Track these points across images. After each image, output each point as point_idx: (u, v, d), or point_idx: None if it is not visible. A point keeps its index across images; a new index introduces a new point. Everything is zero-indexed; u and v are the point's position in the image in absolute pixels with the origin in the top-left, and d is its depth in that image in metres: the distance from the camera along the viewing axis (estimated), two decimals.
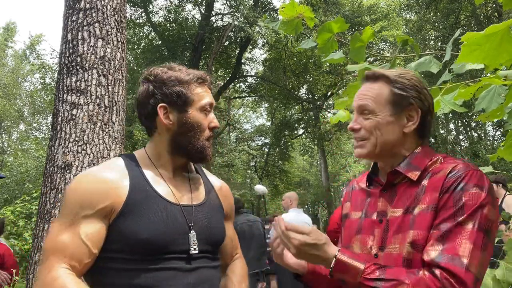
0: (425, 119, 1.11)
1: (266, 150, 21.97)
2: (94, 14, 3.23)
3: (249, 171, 23.35)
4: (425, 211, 1.01)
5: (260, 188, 7.93)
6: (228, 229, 1.32)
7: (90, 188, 1.07)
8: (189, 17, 17.63)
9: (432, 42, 15.60)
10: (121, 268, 1.06)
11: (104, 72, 3.16)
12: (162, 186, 1.16)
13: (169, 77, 1.18)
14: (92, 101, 3.06)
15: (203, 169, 1.38)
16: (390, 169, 1.12)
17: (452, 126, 19.57)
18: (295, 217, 4.97)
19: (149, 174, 1.17)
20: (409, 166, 1.09)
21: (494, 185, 4.37)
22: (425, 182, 1.06)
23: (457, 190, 0.98)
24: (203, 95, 1.19)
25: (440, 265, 0.93)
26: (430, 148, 1.15)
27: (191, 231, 1.13)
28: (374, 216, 1.13)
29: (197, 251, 1.12)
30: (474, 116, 15.02)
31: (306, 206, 27.09)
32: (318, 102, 20.36)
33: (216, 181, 1.36)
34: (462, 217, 0.95)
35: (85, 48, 3.15)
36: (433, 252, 0.95)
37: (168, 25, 17.07)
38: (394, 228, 1.06)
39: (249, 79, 20.35)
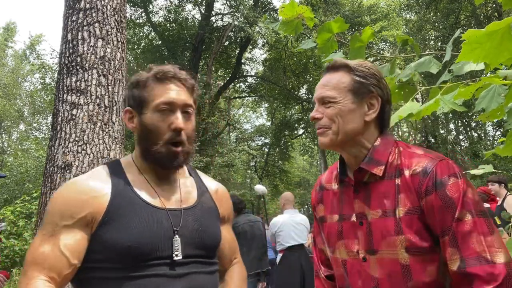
0: (384, 109, 1.12)
1: (266, 150, 21.98)
2: (94, 14, 3.23)
3: (249, 171, 23.36)
4: (410, 214, 1.01)
5: (259, 188, 7.93)
6: (225, 233, 1.26)
7: (70, 198, 1.04)
8: (189, 17, 17.64)
9: (432, 42, 15.60)
10: (105, 277, 1.02)
11: (104, 72, 3.16)
12: (147, 191, 1.11)
13: (134, 79, 1.15)
14: (92, 101, 3.06)
15: (199, 172, 1.32)
16: (355, 163, 1.11)
17: (452, 126, 19.57)
18: (288, 219, 4.98)
19: (133, 179, 1.12)
20: (372, 162, 1.09)
21: (497, 185, 4.36)
22: (397, 180, 1.05)
23: (438, 189, 0.98)
24: (160, 94, 1.10)
25: (467, 271, 0.93)
26: (387, 138, 1.14)
27: (175, 236, 1.06)
28: (353, 218, 1.11)
29: (180, 257, 1.05)
30: (474, 116, 15.03)
31: (306, 206, 27.08)
32: None
33: (211, 184, 1.30)
34: (457, 212, 0.96)
35: (85, 48, 3.15)
36: (455, 263, 0.95)
37: (168, 25, 17.07)
38: (380, 232, 1.04)
39: (249, 79, 20.36)
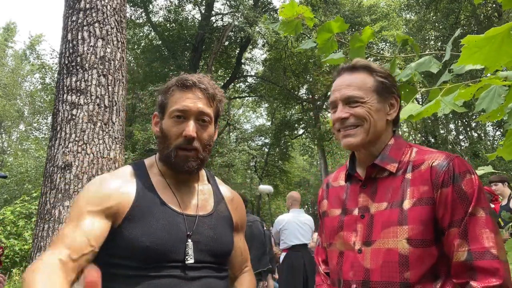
0: (399, 109, 1.16)
1: (266, 150, 21.97)
2: (94, 14, 3.23)
3: (249, 171, 23.34)
4: (417, 205, 1.02)
5: (265, 188, 7.98)
6: (238, 241, 1.29)
7: (98, 189, 1.10)
8: (189, 17, 17.64)
9: (432, 42, 15.60)
10: (126, 274, 1.05)
11: (104, 72, 3.16)
12: (168, 195, 1.16)
13: (163, 86, 1.20)
14: (92, 101, 3.06)
15: (217, 179, 1.35)
16: (369, 160, 1.13)
17: (452, 126, 19.58)
18: (293, 218, 4.99)
19: (156, 182, 1.17)
20: (386, 159, 1.11)
21: (500, 184, 4.33)
22: (408, 175, 1.07)
23: (455, 182, 1.00)
24: (176, 101, 1.14)
25: (474, 264, 0.96)
26: (401, 138, 1.17)
27: (188, 240, 1.09)
28: (356, 212, 1.13)
29: (192, 261, 1.08)
30: (474, 116, 15.04)
31: (306, 206, 27.09)
32: (318, 102, 20.36)
33: (227, 192, 1.33)
34: (471, 207, 0.99)
35: (85, 48, 3.15)
36: (462, 254, 0.98)
37: (168, 25, 17.07)
38: (381, 223, 1.06)
39: (249, 79, 20.36)
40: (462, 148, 17.31)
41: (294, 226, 4.92)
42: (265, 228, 5.13)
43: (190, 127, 1.11)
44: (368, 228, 1.08)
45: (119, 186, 1.11)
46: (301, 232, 4.92)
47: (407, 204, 1.03)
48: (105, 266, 1.05)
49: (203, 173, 1.30)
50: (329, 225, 1.21)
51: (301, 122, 21.44)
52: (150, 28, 17.36)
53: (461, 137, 19.44)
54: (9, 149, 25.83)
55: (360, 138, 1.10)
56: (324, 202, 1.28)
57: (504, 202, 4.29)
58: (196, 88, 1.15)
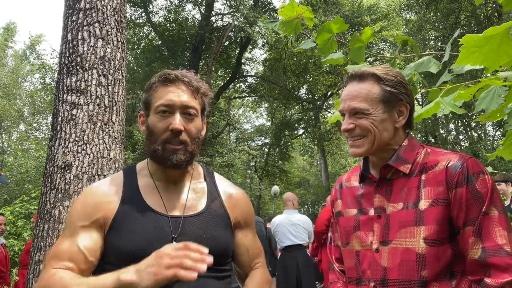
0: (411, 112, 1.17)
1: (266, 150, 21.97)
2: (94, 14, 3.23)
3: (249, 171, 23.34)
4: (433, 205, 1.05)
5: (274, 189, 8.12)
6: (242, 238, 1.25)
7: (86, 201, 1.13)
8: (189, 17, 17.64)
9: (432, 42, 15.59)
10: None
11: (104, 72, 3.16)
12: (154, 198, 1.15)
13: (147, 83, 1.19)
14: (92, 101, 3.06)
15: (217, 175, 1.31)
16: (382, 162, 1.16)
17: (452, 126, 19.57)
18: (284, 219, 5.04)
19: (143, 185, 1.16)
20: (399, 160, 1.13)
21: (503, 184, 4.31)
22: (423, 176, 1.09)
23: (469, 183, 1.03)
24: (160, 96, 1.13)
25: (487, 261, 0.99)
26: (414, 139, 1.20)
27: (173, 243, 1.05)
28: (371, 212, 1.15)
29: None
30: (474, 116, 15.03)
31: (306, 206, 27.08)
32: (318, 102, 20.37)
33: (227, 189, 1.27)
34: (485, 206, 1.01)
35: (85, 48, 3.15)
36: (477, 252, 1.01)
37: (168, 25, 17.07)
38: (398, 223, 1.08)
39: (249, 79, 20.36)
40: (462, 148, 17.31)
41: (285, 227, 4.98)
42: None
43: (177, 120, 1.10)
44: (385, 228, 1.11)
45: (105, 195, 1.13)
46: (292, 233, 4.96)
47: (423, 205, 1.06)
48: (100, 271, 1.05)
49: (199, 170, 1.27)
50: (344, 224, 1.24)
51: (301, 122, 21.45)
52: (150, 28, 17.36)
53: (461, 137, 19.44)
54: (9, 149, 25.81)
55: (365, 148, 1.13)
56: (338, 202, 1.30)
57: (507, 202, 4.26)
58: (179, 82, 1.14)
